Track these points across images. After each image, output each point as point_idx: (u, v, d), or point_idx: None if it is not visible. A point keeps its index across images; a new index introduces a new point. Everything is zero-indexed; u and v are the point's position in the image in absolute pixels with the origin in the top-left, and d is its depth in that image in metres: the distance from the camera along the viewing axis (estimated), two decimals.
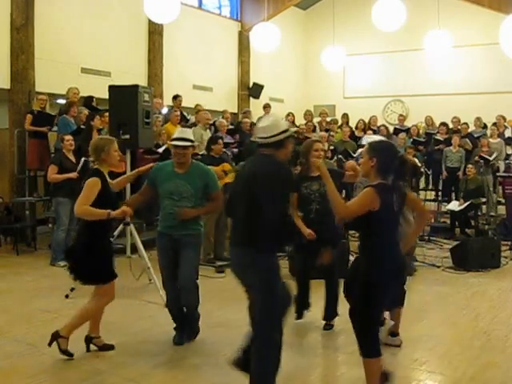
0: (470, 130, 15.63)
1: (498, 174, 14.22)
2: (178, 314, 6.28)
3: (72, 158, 10.36)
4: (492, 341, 6.66)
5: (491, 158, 13.95)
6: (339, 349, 6.39)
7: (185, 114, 14.10)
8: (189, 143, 6.11)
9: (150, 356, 5.91)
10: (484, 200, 13.79)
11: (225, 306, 7.84)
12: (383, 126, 16.62)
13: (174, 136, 6.18)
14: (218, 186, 6.36)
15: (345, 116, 17.11)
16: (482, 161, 13.93)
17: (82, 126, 11.50)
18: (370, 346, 4.72)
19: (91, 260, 5.71)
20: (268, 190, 4.56)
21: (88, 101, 12.68)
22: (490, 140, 14.65)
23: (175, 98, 14.54)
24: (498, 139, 14.86)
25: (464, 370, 5.72)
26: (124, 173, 9.36)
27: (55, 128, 11.93)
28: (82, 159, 10.62)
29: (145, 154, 11.02)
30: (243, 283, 4.89)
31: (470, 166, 13.74)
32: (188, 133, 6.33)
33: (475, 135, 15.28)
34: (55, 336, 5.78)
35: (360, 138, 15.33)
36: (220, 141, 10.74)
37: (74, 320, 5.89)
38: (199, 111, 14.09)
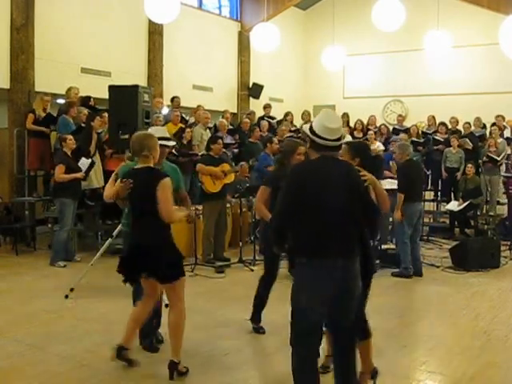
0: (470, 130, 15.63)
1: (502, 174, 14.21)
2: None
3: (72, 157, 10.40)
4: (492, 341, 6.67)
5: (499, 158, 13.96)
6: None
7: (183, 115, 14.10)
8: (174, 142, 6.15)
9: (151, 356, 5.90)
10: (484, 199, 13.80)
11: (224, 305, 7.86)
12: (383, 125, 16.62)
13: (159, 135, 5.89)
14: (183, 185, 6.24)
15: (345, 116, 17.10)
16: (487, 160, 13.94)
17: (83, 125, 11.51)
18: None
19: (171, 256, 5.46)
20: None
21: (85, 101, 12.67)
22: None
23: (172, 99, 14.57)
24: (501, 139, 14.88)
25: (464, 370, 5.73)
26: None
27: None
28: (89, 160, 10.65)
29: None
30: (350, 295, 4.30)
31: (469, 165, 13.74)
32: (166, 131, 6.35)
33: (476, 134, 15.29)
34: (174, 367, 5.43)
35: (359, 138, 15.33)
36: (220, 141, 10.71)
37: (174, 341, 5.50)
38: (198, 111, 14.12)
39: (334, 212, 4.17)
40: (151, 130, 6.17)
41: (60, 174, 10.16)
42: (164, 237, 5.41)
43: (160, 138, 5.82)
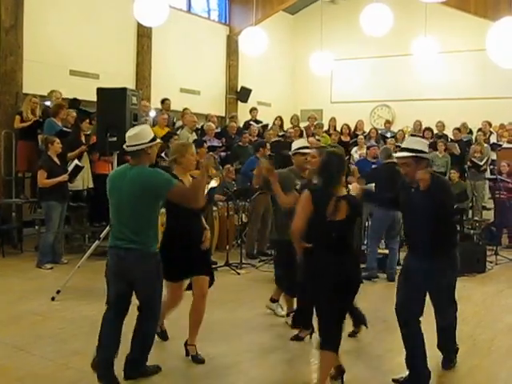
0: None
1: (487, 177, 14.26)
2: None
3: (57, 160, 10.37)
4: (477, 345, 6.72)
5: (481, 163, 14.03)
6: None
7: (171, 117, 14.09)
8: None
9: None
10: (470, 204, 13.85)
11: (209, 309, 7.73)
12: (374, 129, 16.65)
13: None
14: None
15: (332, 120, 17.17)
16: (471, 165, 14.01)
17: (65, 129, 11.46)
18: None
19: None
20: None
21: (74, 103, 12.65)
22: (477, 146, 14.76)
23: (163, 101, 14.56)
24: (486, 145, 14.96)
25: (449, 374, 5.76)
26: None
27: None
28: (74, 162, 10.64)
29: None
30: None
31: (452, 171, 13.79)
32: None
33: (464, 140, 15.39)
34: None
35: (347, 142, 15.41)
36: (204, 144, 10.73)
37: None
38: (185, 114, 14.11)
39: None
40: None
41: (42, 179, 10.17)
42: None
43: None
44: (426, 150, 5.47)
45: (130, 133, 5.52)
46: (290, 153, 7.12)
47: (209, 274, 6.12)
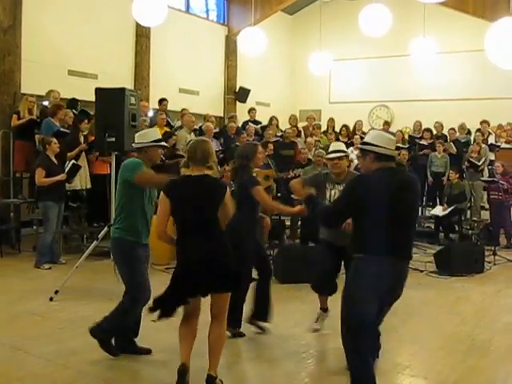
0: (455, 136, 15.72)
1: (482, 179, 14.25)
2: None
3: (55, 160, 10.36)
4: (476, 345, 6.70)
5: (479, 163, 14.04)
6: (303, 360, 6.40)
7: (169, 120, 14.07)
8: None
9: (137, 358, 5.89)
10: (468, 205, 13.86)
11: (207, 308, 7.77)
12: (372, 129, 16.62)
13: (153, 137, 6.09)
14: None
15: (331, 120, 17.13)
16: (469, 165, 14.01)
17: (62, 129, 11.44)
18: None
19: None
20: None
21: (73, 103, 12.64)
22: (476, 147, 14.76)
23: (161, 101, 14.54)
24: (483, 145, 14.96)
25: (447, 374, 5.76)
26: (108, 175, 9.38)
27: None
28: (71, 161, 10.63)
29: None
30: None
31: (451, 171, 13.80)
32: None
33: (462, 140, 15.40)
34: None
35: (345, 143, 15.35)
36: None
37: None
38: (184, 115, 14.10)
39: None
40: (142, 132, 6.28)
41: (40, 177, 10.16)
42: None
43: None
44: (376, 142, 4.76)
45: (139, 132, 6.30)
46: None
47: None
